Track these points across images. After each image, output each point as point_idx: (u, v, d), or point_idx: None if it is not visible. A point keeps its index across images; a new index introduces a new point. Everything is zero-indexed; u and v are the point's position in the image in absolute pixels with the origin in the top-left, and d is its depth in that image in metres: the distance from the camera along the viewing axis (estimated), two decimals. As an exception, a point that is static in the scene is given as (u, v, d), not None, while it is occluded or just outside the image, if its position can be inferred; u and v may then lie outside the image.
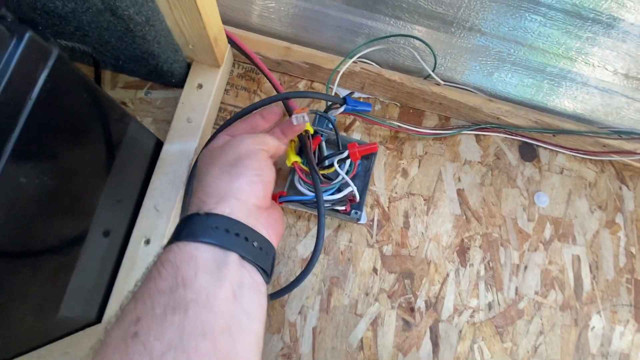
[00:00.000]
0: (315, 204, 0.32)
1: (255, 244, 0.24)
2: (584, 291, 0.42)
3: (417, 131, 0.42)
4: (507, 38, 0.40)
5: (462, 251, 0.41)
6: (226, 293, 0.20)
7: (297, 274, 0.30)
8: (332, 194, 0.34)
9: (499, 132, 0.45)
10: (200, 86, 0.38)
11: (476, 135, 0.45)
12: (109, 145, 0.29)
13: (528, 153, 0.45)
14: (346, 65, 0.40)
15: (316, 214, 0.39)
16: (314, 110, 0.34)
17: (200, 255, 0.21)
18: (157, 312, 0.19)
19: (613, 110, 0.45)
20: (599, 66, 0.41)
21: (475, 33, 0.40)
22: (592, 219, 0.44)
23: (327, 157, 0.34)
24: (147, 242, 0.33)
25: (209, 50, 0.35)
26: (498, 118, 0.44)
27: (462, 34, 0.40)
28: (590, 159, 0.45)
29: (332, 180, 0.36)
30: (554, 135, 0.44)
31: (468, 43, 0.41)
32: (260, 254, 0.24)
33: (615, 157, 0.44)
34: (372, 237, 0.40)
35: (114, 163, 0.30)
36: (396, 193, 0.41)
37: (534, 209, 0.43)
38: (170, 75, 0.38)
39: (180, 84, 0.39)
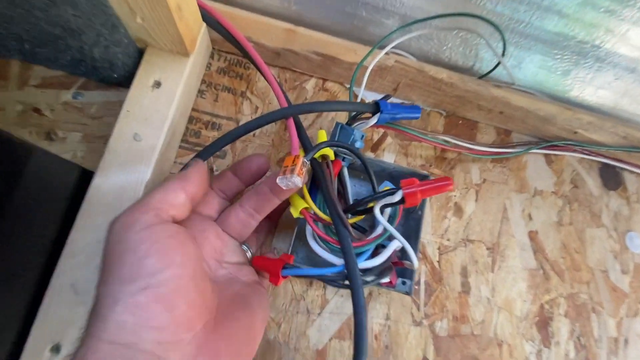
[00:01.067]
0: (346, 279, 0.19)
1: None
2: (699, 369, 0.30)
3: (472, 149, 0.30)
4: (595, 23, 0.29)
5: (543, 323, 0.29)
6: None
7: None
8: (368, 258, 0.21)
9: (574, 151, 0.33)
10: (157, 84, 0.24)
11: (545, 156, 0.33)
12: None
13: (611, 179, 0.34)
14: (377, 58, 0.28)
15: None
16: (330, 142, 0.21)
17: None
18: None
19: None
20: None
21: (553, 15, 0.29)
22: (697, 266, 0.33)
23: (362, 202, 0.21)
24: (56, 349, 0.19)
25: (170, 27, 0.22)
26: (576, 132, 0.32)
27: (535, 16, 0.29)
28: (686, 186, 0.35)
29: (362, 230, 0.23)
30: (647, 156, 0.33)
31: (541, 30, 0.30)
32: None
33: None
34: (419, 309, 0.27)
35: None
36: (449, 240, 0.29)
37: (628, 256, 0.32)
38: (108, 66, 0.24)
39: (126, 80, 0.25)
